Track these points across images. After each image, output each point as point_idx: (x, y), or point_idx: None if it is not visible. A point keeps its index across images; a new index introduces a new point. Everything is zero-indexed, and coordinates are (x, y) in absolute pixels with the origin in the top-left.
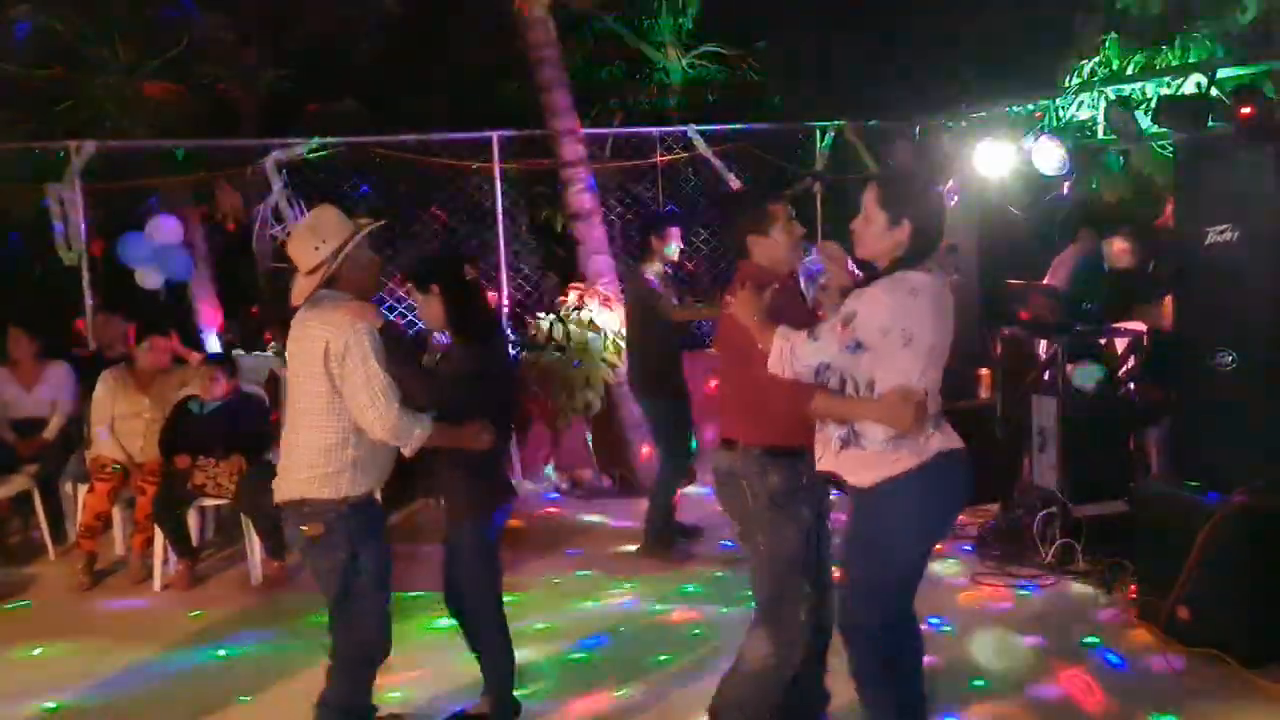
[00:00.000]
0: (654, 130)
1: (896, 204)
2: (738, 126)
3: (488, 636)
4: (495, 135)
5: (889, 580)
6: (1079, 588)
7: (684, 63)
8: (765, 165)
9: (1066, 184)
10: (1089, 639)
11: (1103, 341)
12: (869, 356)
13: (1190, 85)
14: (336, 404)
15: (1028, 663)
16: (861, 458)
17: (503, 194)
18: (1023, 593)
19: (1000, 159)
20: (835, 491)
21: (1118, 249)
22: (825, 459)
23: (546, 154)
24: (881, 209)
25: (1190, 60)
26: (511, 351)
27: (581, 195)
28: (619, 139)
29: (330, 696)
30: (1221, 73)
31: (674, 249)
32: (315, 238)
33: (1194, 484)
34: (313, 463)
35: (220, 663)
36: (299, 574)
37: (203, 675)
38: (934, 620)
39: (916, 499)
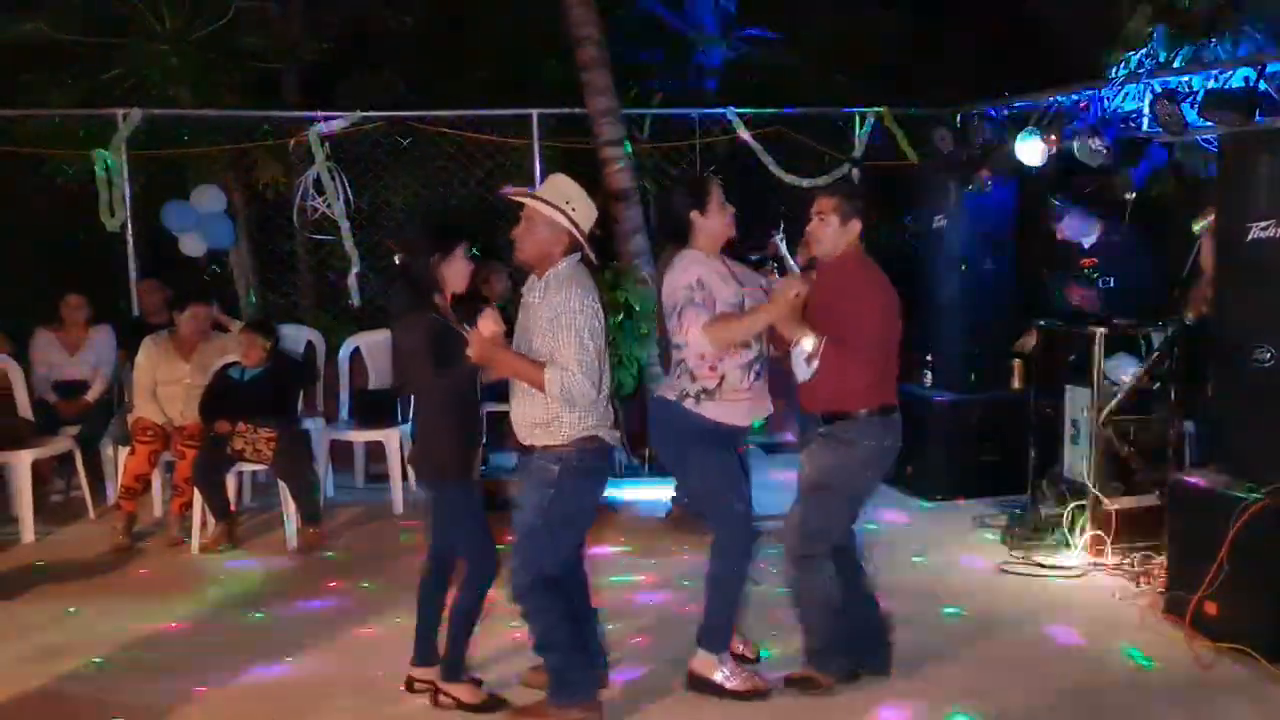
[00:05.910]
0: (693, 112)
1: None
2: (778, 110)
3: None
4: (535, 113)
5: None
6: (1108, 580)
7: (725, 45)
8: (804, 149)
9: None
10: (1116, 632)
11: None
12: None
13: (1238, 79)
14: None
15: (1053, 654)
16: None
17: (541, 172)
18: (1050, 584)
19: (1041, 149)
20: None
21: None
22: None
23: (585, 133)
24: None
25: (1239, 54)
26: None
27: (620, 175)
28: (658, 120)
29: None
30: (1271, 67)
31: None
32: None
33: (1227, 479)
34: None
35: (256, 625)
36: (335, 540)
37: (238, 636)
38: (959, 609)
39: None
